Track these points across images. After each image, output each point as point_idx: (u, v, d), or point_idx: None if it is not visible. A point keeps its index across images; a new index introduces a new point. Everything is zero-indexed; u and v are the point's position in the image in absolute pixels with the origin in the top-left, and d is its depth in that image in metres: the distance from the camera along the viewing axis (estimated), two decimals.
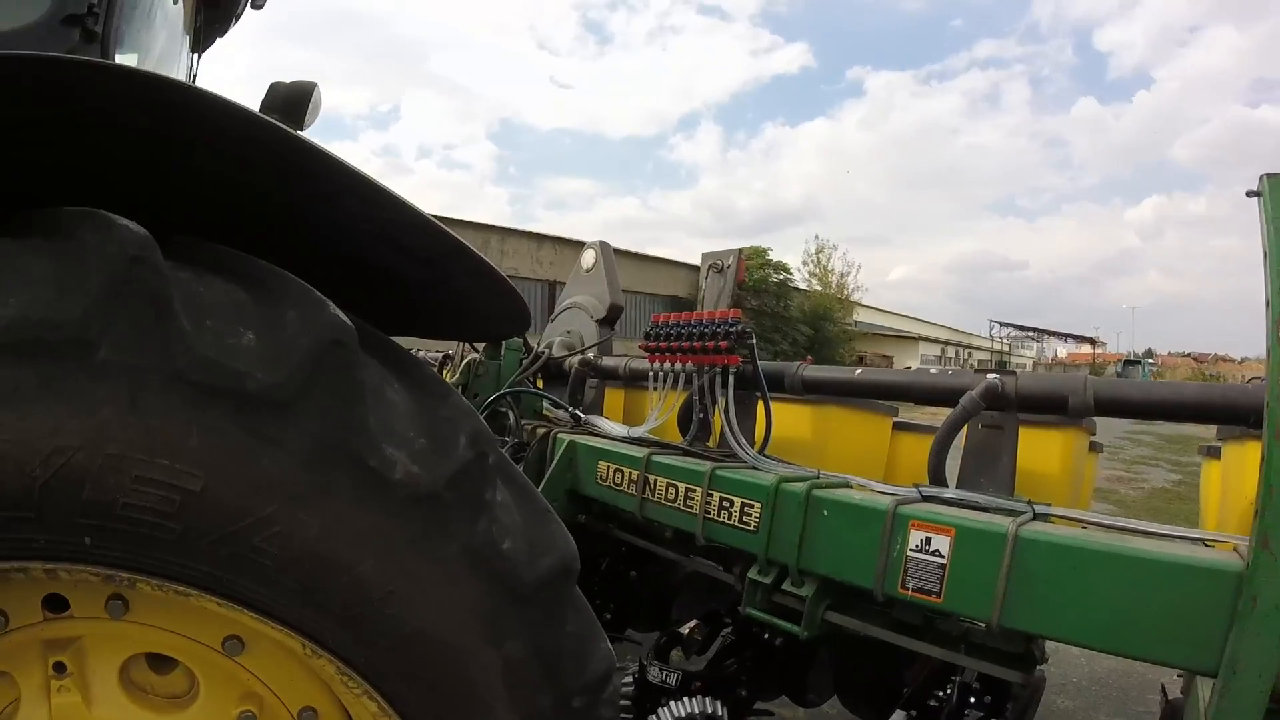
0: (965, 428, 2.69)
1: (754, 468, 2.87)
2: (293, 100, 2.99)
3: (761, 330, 35.44)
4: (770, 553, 2.60)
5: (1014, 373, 2.64)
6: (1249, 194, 1.84)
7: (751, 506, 2.67)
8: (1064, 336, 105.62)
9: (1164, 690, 3.06)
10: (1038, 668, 3.13)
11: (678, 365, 3.27)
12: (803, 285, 51.34)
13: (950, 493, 2.50)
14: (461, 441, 1.46)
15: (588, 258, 4.29)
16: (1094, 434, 3.57)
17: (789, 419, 3.43)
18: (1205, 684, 1.84)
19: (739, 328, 3.05)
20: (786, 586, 2.62)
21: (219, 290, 1.35)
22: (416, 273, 1.71)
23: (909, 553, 2.25)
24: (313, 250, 1.62)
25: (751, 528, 2.66)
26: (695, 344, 3.13)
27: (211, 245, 1.44)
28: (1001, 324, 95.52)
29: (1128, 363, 75.90)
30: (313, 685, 1.60)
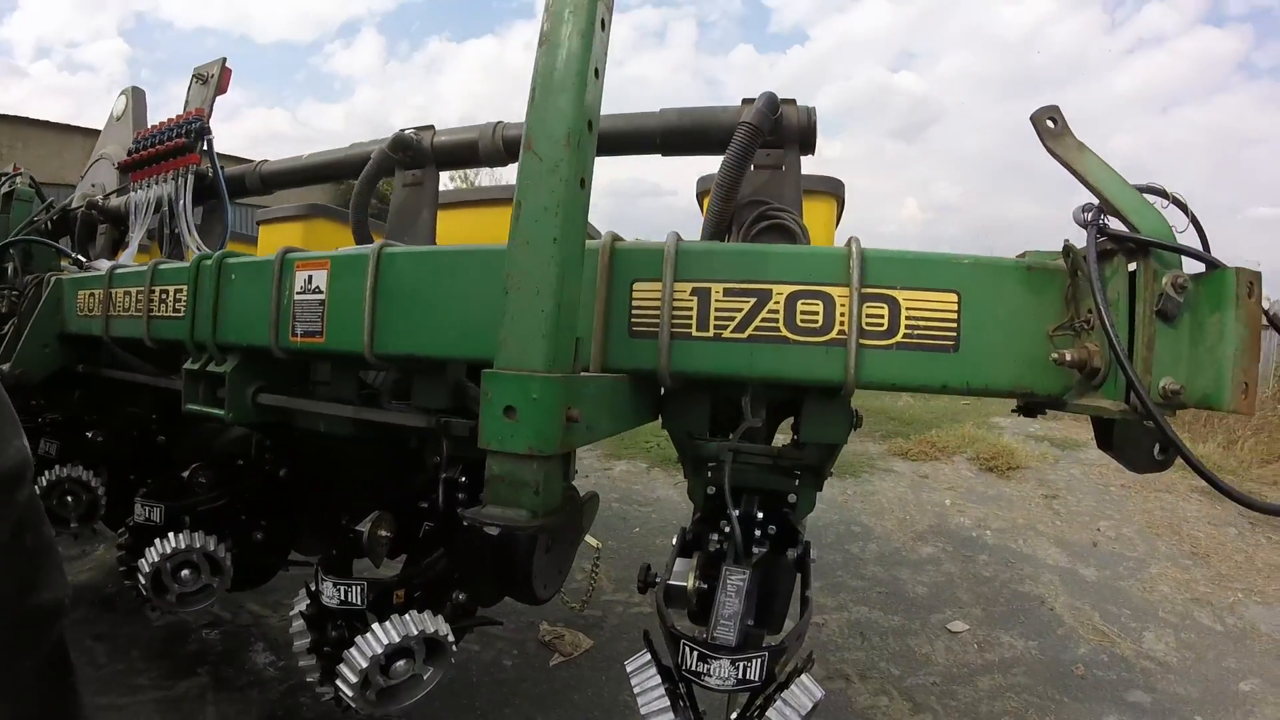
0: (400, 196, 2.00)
1: None
2: None
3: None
4: (195, 335, 1.97)
5: (431, 127, 1.97)
6: None
7: (181, 291, 2.02)
8: None
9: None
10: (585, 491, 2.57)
11: (154, 186, 2.39)
12: None
13: (366, 249, 1.81)
14: None
15: (118, 105, 3.29)
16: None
17: (283, 239, 2.71)
18: None
19: (198, 125, 2.26)
20: (211, 368, 1.97)
21: None
22: None
23: (295, 296, 1.71)
24: None
25: (181, 314, 2.01)
26: (159, 148, 2.28)
27: None
28: None
29: None
30: None
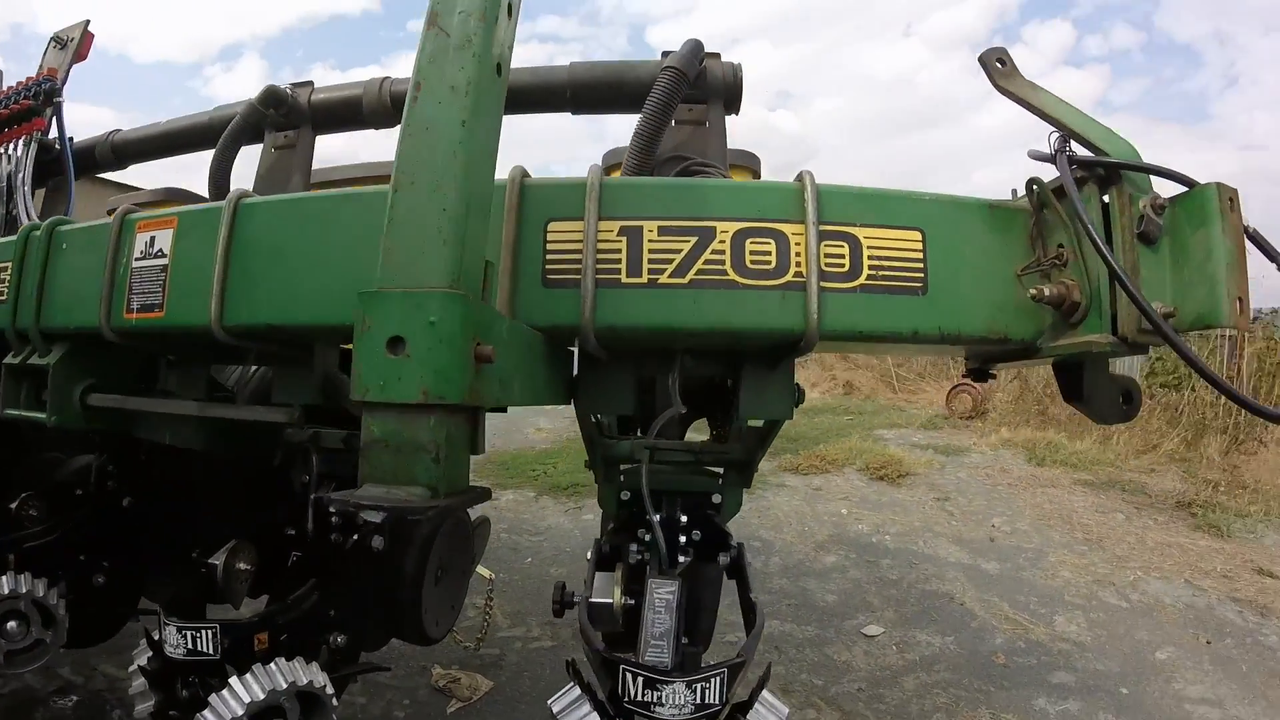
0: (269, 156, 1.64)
1: None
2: None
3: None
4: (17, 321, 1.53)
5: (310, 83, 1.64)
6: None
7: (5, 270, 1.58)
8: None
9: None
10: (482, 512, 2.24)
11: None
12: None
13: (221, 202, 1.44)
14: None
15: None
16: None
17: None
18: None
19: (48, 85, 1.84)
20: (33, 361, 1.54)
21: None
22: None
23: (134, 264, 1.35)
24: None
25: (4, 296, 1.57)
26: (1, 113, 1.83)
27: None
28: None
29: None
30: None
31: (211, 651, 1.42)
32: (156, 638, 1.48)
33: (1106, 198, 1.11)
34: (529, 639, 3.12)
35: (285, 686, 1.39)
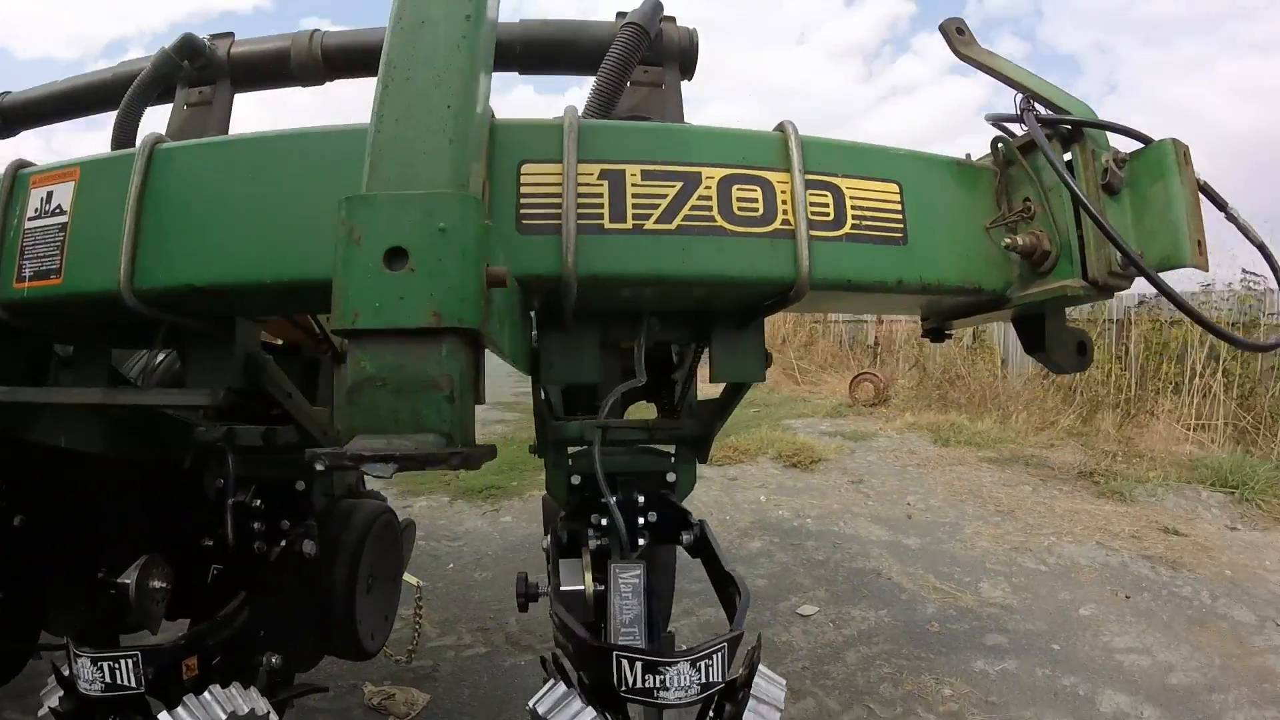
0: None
1: None
2: None
3: None
4: None
5: (230, 34, 1.49)
6: None
7: None
8: None
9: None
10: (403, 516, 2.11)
11: None
12: None
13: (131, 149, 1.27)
14: None
15: None
16: None
17: None
18: None
19: None
20: None
21: None
22: None
23: (27, 224, 1.17)
24: None
25: None
26: None
27: None
28: None
29: None
30: None
31: (134, 684, 1.23)
32: (67, 674, 1.28)
33: (1068, 155, 1.16)
34: (461, 647, 2.98)
35: (224, 718, 1.24)
